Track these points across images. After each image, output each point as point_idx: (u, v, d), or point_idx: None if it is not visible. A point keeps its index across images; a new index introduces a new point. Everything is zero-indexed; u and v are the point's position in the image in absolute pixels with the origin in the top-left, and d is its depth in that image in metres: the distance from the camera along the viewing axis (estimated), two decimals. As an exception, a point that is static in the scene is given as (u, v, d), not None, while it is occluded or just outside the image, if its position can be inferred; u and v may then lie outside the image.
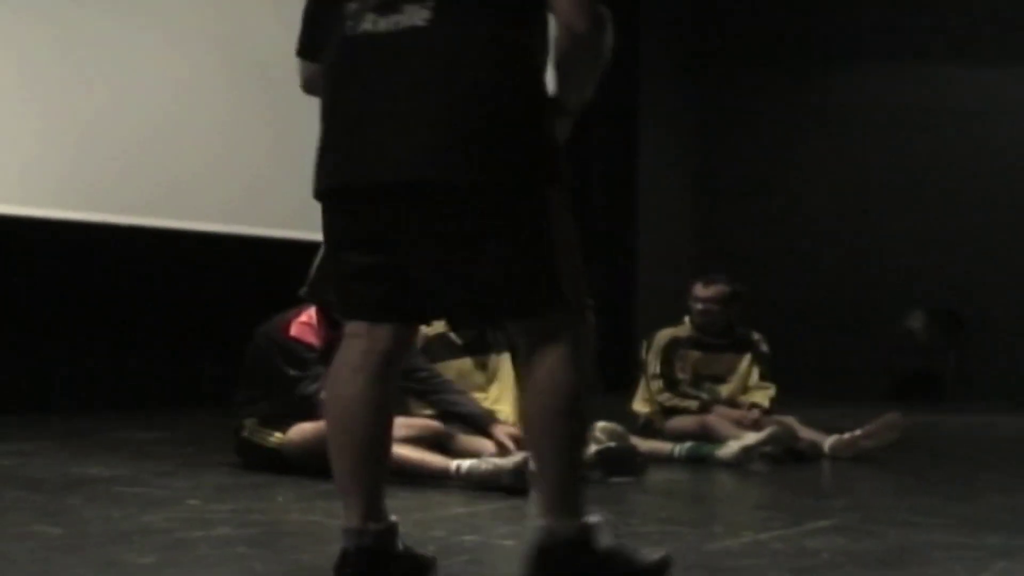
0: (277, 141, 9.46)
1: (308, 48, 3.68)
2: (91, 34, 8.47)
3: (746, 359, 7.88)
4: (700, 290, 7.83)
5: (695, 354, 7.76)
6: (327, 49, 3.53)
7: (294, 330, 5.89)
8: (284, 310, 6.05)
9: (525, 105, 3.37)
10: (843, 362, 14.73)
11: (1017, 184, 14.60)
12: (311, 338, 5.88)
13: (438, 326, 6.48)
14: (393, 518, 3.48)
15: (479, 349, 6.69)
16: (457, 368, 6.59)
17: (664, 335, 7.68)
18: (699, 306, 7.78)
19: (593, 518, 3.43)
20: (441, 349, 6.54)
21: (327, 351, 5.58)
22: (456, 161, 3.28)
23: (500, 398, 6.65)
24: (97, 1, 8.55)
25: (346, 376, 3.47)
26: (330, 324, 5.68)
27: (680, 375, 7.69)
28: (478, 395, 6.56)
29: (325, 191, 3.47)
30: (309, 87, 3.73)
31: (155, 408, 8.86)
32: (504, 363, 6.76)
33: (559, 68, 3.39)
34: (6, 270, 8.56)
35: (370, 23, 3.39)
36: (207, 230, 9.17)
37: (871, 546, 4.43)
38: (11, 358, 8.61)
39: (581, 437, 3.53)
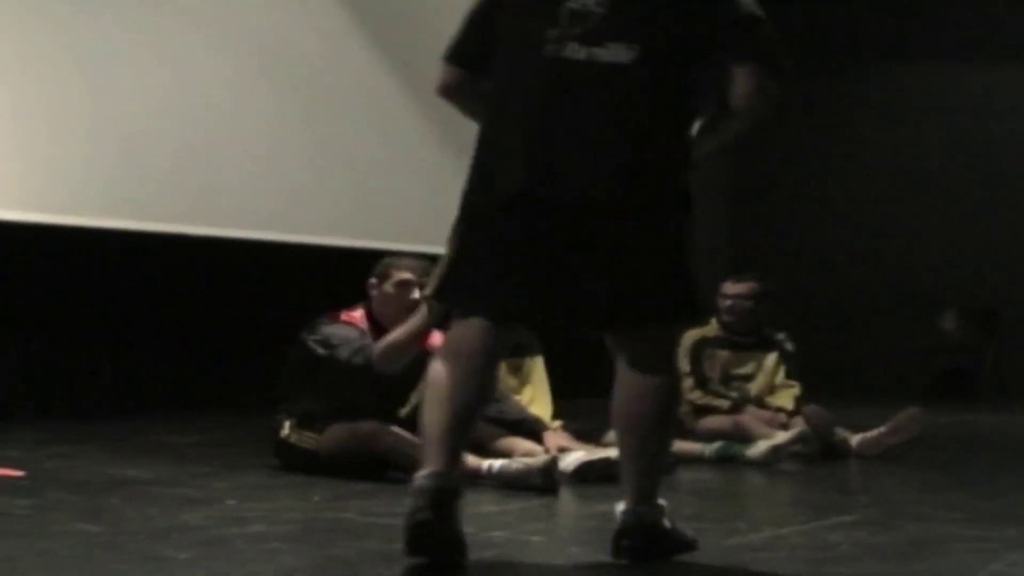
0: (317, 149, 9.62)
1: (465, 56, 4.05)
2: (131, 41, 8.59)
3: (772, 358, 7.91)
4: (730, 287, 7.87)
5: (723, 353, 7.81)
6: (507, 65, 3.91)
7: (343, 318, 6.03)
8: (321, 314, 6.19)
9: (685, 147, 3.89)
10: (878, 362, 14.76)
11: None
12: (360, 325, 6.01)
13: None
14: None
15: (513, 352, 6.81)
16: None
17: (691, 335, 7.73)
18: (728, 302, 7.81)
19: (662, 501, 3.97)
20: None
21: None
22: (631, 187, 3.76)
23: (533, 401, 6.77)
24: (131, 7, 8.67)
25: (458, 358, 3.86)
26: (375, 328, 5.95)
27: (709, 374, 7.77)
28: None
29: (502, 197, 3.83)
30: (447, 92, 4.11)
31: (194, 412, 8.99)
32: (537, 366, 6.88)
33: (717, 128, 3.98)
34: (52, 277, 8.72)
35: (571, 51, 3.78)
36: (246, 237, 9.30)
37: (890, 539, 4.55)
38: (54, 363, 8.76)
39: (669, 434, 4.13)
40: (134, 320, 9.24)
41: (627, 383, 3.91)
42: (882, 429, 7.56)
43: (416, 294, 5.94)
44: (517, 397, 6.73)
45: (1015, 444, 9.38)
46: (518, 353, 6.82)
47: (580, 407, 7.22)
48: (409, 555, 3.73)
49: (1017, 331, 14.68)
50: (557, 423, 6.65)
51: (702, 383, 7.71)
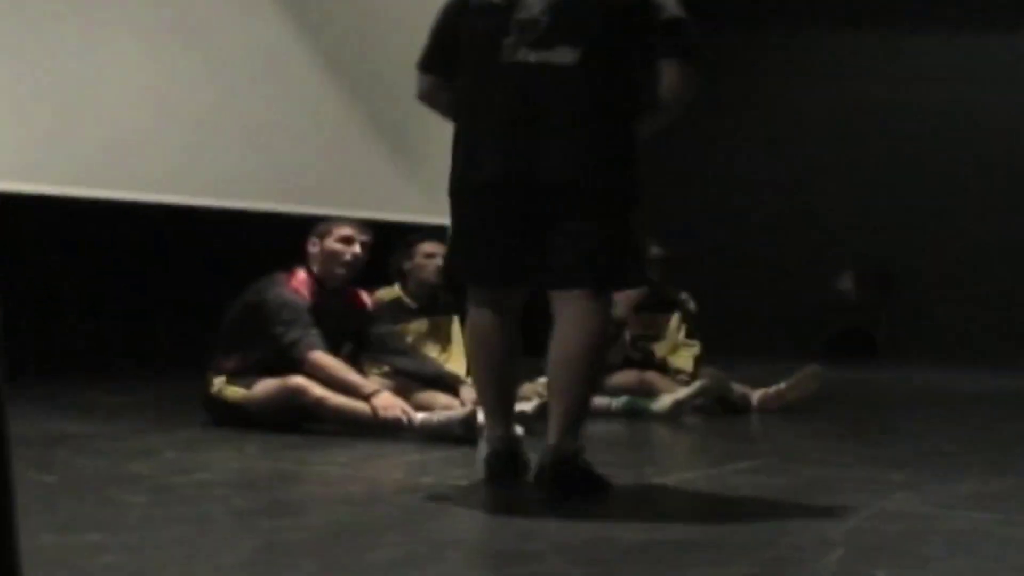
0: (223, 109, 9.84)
1: (436, 65, 4.74)
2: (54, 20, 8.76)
3: (675, 317, 8.23)
4: None
5: (629, 315, 8.14)
6: (473, 70, 4.57)
7: (294, 283, 6.36)
8: (248, 280, 6.49)
9: (632, 133, 4.50)
10: (778, 321, 15.13)
11: (944, 147, 15.05)
12: (306, 295, 6.34)
13: (393, 291, 7.04)
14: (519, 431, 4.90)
15: (432, 311, 7.18)
16: (415, 330, 7.09)
17: None
18: None
19: (580, 441, 4.49)
20: (398, 313, 7.04)
21: (313, 309, 6.25)
22: (589, 170, 4.39)
23: (450, 358, 7.11)
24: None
25: (487, 329, 4.63)
26: (318, 286, 6.33)
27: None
28: (433, 355, 7.06)
29: (479, 185, 4.50)
30: (426, 97, 4.84)
31: (117, 373, 9.24)
32: (454, 326, 7.22)
33: (652, 116, 4.60)
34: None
35: (524, 55, 4.43)
36: (168, 201, 9.48)
37: (786, 481, 4.92)
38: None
39: (593, 378, 4.58)
40: (57, 283, 9.45)
41: (562, 333, 4.45)
42: (781, 385, 7.92)
43: (356, 248, 6.40)
44: (435, 355, 7.08)
45: (906, 398, 9.82)
46: (437, 312, 7.18)
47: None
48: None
49: (911, 292, 15.13)
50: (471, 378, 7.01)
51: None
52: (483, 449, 4.91)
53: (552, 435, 4.44)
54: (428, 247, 7.14)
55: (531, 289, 4.65)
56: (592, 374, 4.53)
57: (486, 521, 4.18)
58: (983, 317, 14.84)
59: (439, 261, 6.70)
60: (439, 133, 10.16)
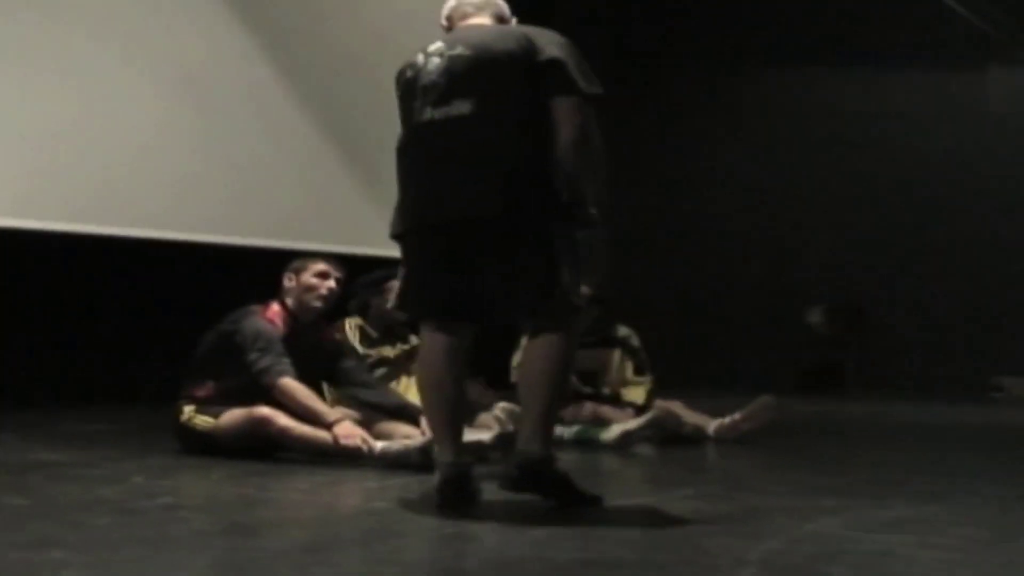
0: (204, 148, 10.10)
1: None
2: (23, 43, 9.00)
3: (616, 353, 8.42)
4: None
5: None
6: (404, 130, 5.13)
7: (268, 314, 6.69)
8: (217, 315, 6.79)
9: (535, 168, 4.82)
10: (748, 356, 15.40)
11: (914, 185, 15.35)
12: (280, 326, 6.64)
13: (355, 321, 7.38)
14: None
15: (391, 340, 7.50)
16: (388, 353, 7.44)
17: None
18: None
19: (556, 453, 4.91)
20: (366, 339, 7.41)
21: (286, 340, 6.59)
22: (494, 204, 4.79)
23: (410, 388, 7.38)
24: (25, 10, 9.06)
25: (435, 359, 4.97)
26: (291, 319, 6.71)
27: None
28: (404, 380, 7.37)
29: (410, 228, 5.01)
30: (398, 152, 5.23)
31: (98, 404, 9.50)
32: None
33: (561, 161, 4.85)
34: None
35: (429, 114, 4.96)
36: (138, 236, 9.72)
37: (723, 508, 5.16)
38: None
39: (557, 394, 4.92)
40: (34, 317, 9.69)
41: (528, 350, 4.93)
42: (736, 416, 8.17)
43: (332, 283, 6.82)
44: (406, 381, 7.38)
45: (865, 430, 10.05)
46: (395, 341, 7.51)
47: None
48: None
49: (881, 327, 15.40)
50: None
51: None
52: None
53: (522, 440, 4.86)
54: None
55: (476, 323, 5.02)
56: (556, 388, 4.88)
57: (430, 541, 4.43)
58: (949, 350, 15.11)
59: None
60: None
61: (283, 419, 6.32)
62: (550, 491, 4.91)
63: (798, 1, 15.80)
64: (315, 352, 6.83)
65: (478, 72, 4.93)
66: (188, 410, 6.60)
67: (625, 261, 13.43)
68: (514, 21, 5.33)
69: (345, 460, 6.19)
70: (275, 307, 6.80)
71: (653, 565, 3.90)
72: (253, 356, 6.52)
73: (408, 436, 6.53)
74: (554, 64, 4.88)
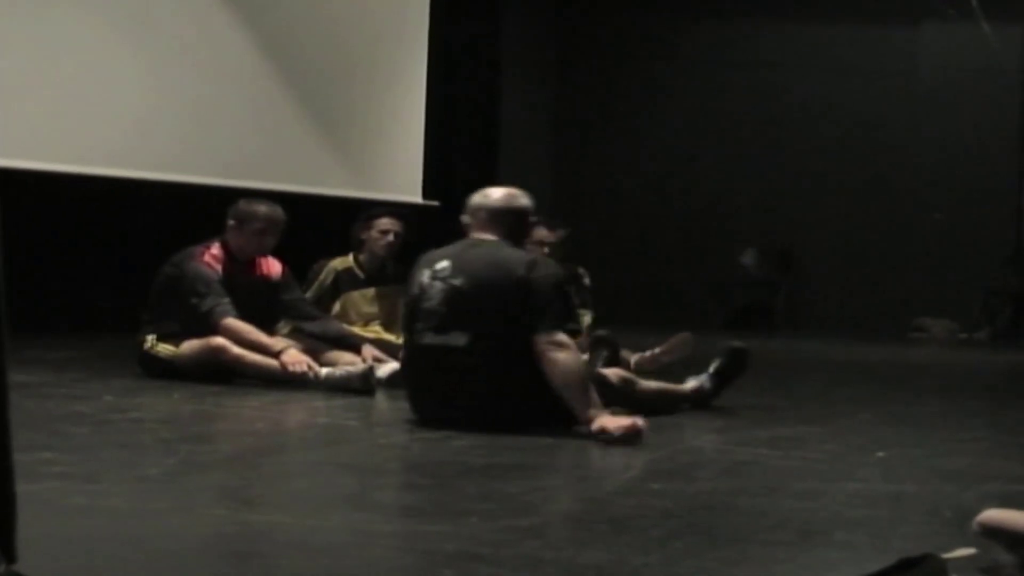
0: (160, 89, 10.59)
1: None
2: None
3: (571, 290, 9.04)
4: (545, 234, 8.75)
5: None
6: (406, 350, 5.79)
7: (206, 258, 7.22)
8: (170, 250, 7.39)
9: (522, 392, 5.39)
10: (682, 295, 15.95)
11: (839, 132, 15.90)
12: (217, 268, 7.22)
13: (346, 260, 7.97)
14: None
15: (379, 281, 8.11)
16: (361, 297, 8.07)
17: None
18: (546, 249, 8.58)
19: None
20: (348, 281, 8.04)
21: (226, 280, 7.11)
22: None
23: (392, 330, 7.91)
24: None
25: None
26: (230, 259, 7.25)
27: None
28: (374, 320, 8.04)
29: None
30: None
31: (60, 333, 10.07)
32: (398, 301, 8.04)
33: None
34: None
35: (429, 339, 5.50)
36: (105, 174, 10.17)
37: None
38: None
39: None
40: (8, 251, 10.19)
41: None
42: (656, 350, 8.83)
43: (271, 238, 7.34)
44: (377, 323, 8.05)
45: (782, 365, 10.65)
46: (385, 282, 8.09)
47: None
48: None
49: (809, 268, 16.08)
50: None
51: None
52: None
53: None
54: (385, 223, 8.06)
55: None
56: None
57: (365, 448, 5.15)
58: (875, 293, 15.77)
59: (391, 238, 7.93)
60: (363, 118, 11.10)
61: (237, 348, 6.96)
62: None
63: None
64: (253, 288, 7.33)
65: (478, 305, 5.44)
66: (151, 339, 7.19)
67: (572, 208, 14.04)
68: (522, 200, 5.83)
69: (293, 384, 6.84)
70: (214, 249, 7.29)
71: (551, 468, 4.62)
72: (194, 300, 7.08)
73: (351, 363, 7.18)
74: (548, 303, 5.41)
